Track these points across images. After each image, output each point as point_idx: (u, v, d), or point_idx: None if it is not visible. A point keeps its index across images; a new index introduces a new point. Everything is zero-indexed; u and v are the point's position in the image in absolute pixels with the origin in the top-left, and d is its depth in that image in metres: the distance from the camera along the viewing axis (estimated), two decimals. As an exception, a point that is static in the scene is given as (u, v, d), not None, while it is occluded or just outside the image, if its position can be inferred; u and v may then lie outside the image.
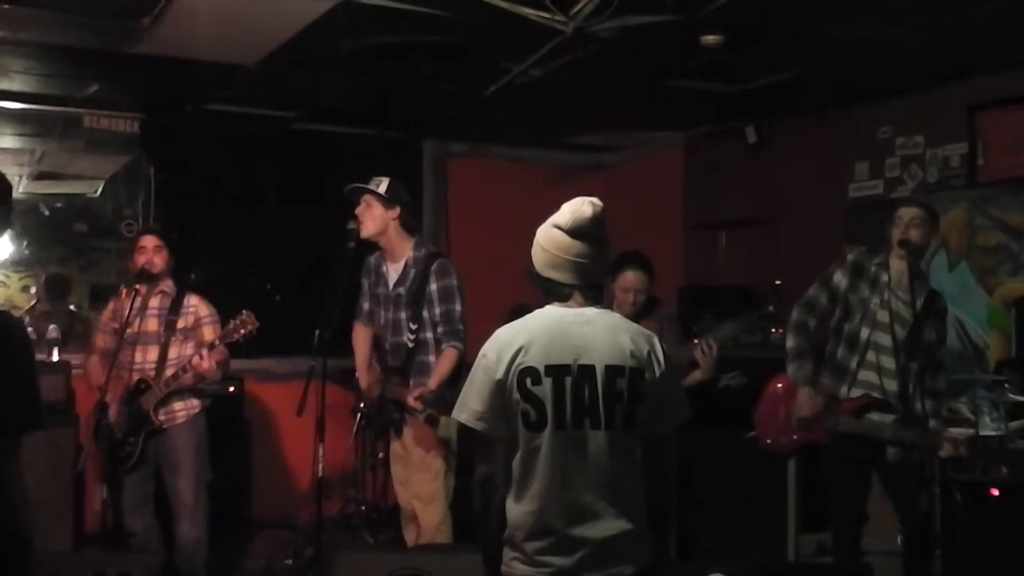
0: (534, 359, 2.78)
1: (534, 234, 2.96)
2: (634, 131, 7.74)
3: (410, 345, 4.89)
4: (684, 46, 5.03)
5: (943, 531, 4.62)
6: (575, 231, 2.84)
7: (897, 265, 4.51)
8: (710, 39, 4.92)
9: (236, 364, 6.64)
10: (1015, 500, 4.78)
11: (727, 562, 5.34)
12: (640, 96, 6.41)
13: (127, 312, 4.89)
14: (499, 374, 2.79)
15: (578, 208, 2.87)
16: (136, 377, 4.89)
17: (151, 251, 5.00)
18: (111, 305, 5.18)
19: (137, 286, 4.95)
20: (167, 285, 5.07)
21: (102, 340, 5.11)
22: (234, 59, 5.47)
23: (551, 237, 2.88)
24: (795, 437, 4.68)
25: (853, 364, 4.54)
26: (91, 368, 5.13)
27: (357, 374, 5.08)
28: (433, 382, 4.71)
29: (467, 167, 8.03)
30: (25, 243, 6.54)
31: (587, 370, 2.78)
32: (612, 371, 2.78)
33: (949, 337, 5.81)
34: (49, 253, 6.67)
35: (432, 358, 4.87)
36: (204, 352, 4.79)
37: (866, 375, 4.53)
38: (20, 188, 6.53)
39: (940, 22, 4.79)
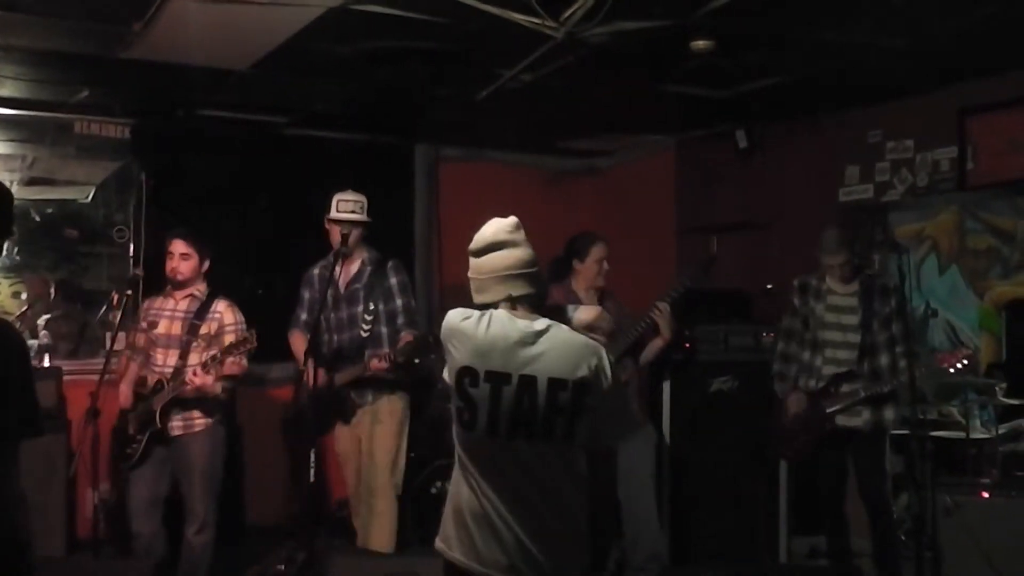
0: (476, 361, 2.79)
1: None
2: (625, 135, 7.75)
3: (364, 335, 5.13)
4: (675, 51, 5.04)
5: (934, 533, 4.65)
6: (481, 249, 2.92)
7: (833, 274, 5.15)
8: (700, 44, 4.93)
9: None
10: (1005, 502, 4.80)
11: (720, 565, 5.37)
12: (631, 100, 6.43)
13: (161, 312, 5.04)
14: (447, 362, 2.87)
15: (480, 231, 2.95)
16: (156, 378, 4.92)
17: (177, 258, 4.97)
18: (145, 304, 5.20)
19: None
20: (198, 289, 5.06)
21: (143, 340, 5.09)
22: (226, 64, 5.47)
23: (470, 265, 2.95)
24: (804, 440, 5.15)
25: (817, 363, 5.13)
26: (123, 366, 5.19)
27: (302, 367, 5.00)
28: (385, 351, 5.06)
29: (459, 172, 8.02)
30: (16, 249, 6.52)
31: (528, 381, 2.76)
32: (555, 384, 2.76)
33: (939, 340, 5.85)
34: (40, 259, 6.65)
35: (383, 350, 5.10)
36: (198, 368, 4.73)
37: (828, 369, 5.08)
38: (11, 194, 6.51)
39: (930, 27, 4.80)
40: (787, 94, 6.13)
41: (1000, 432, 5.20)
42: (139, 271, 6.07)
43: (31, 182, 6.62)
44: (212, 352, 4.80)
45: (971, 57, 5.38)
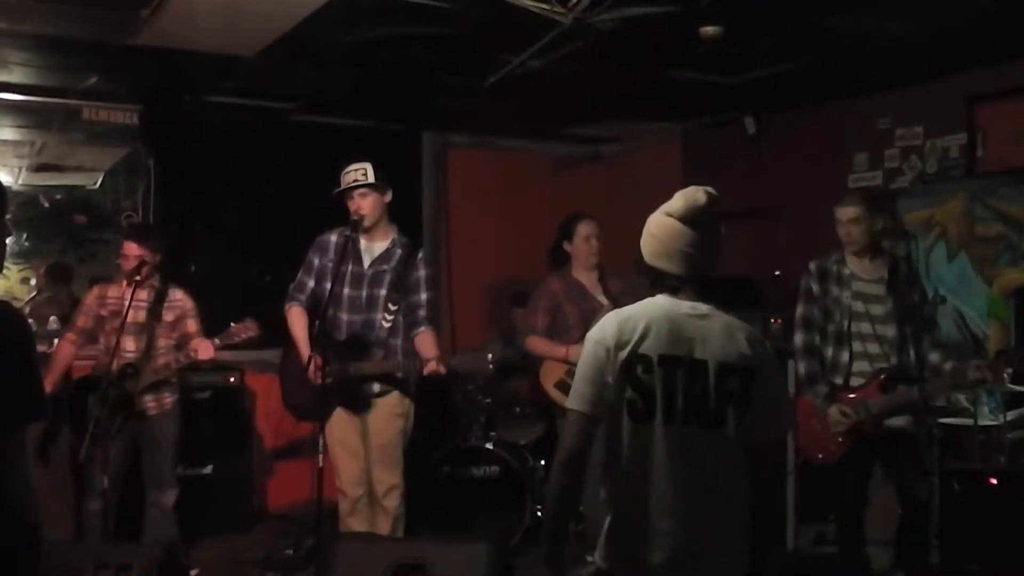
0: (647, 347, 2.70)
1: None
2: (633, 122, 7.74)
3: (386, 324, 4.95)
4: (683, 37, 5.03)
5: (941, 520, 4.63)
6: (688, 219, 2.76)
7: (853, 257, 4.71)
8: (709, 30, 4.92)
9: (236, 356, 6.69)
10: (1013, 489, 4.79)
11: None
12: (639, 87, 6.41)
13: (122, 302, 5.17)
14: (609, 357, 2.71)
15: (692, 196, 2.79)
16: (123, 362, 5.15)
17: (132, 259, 5.18)
18: (95, 291, 5.38)
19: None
20: (154, 279, 5.33)
21: (83, 321, 5.32)
22: (233, 51, 5.47)
23: (662, 225, 2.81)
24: (840, 440, 4.65)
25: (844, 358, 4.66)
26: (62, 350, 5.31)
27: (302, 352, 4.93)
28: (436, 355, 4.86)
29: (466, 158, 8.03)
30: (25, 235, 6.54)
31: (700, 365, 2.70)
32: (725, 369, 2.70)
33: (947, 327, 5.84)
34: (48, 245, 6.66)
35: (399, 341, 4.99)
36: (205, 342, 5.11)
37: (859, 366, 4.64)
38: (20, 180, 6.52)
39: (939, 14, 4.79)
40: (796, 81, 6.11)
41: (1008, 419, 5.19)
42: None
43: (39, 168, 6.63)
44: (175, 335, 5.30)
45: (980, 44, 5.36)
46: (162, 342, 5.28)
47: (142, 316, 5.23)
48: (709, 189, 2.81)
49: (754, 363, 2.73)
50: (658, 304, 2.79)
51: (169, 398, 5.34)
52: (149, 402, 5.24)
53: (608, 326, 2.77)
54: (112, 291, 5.33)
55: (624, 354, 2.70)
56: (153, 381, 5.19)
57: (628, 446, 2.71)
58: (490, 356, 4.78)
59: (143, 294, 5.23)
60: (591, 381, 2.74)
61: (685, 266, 2.77)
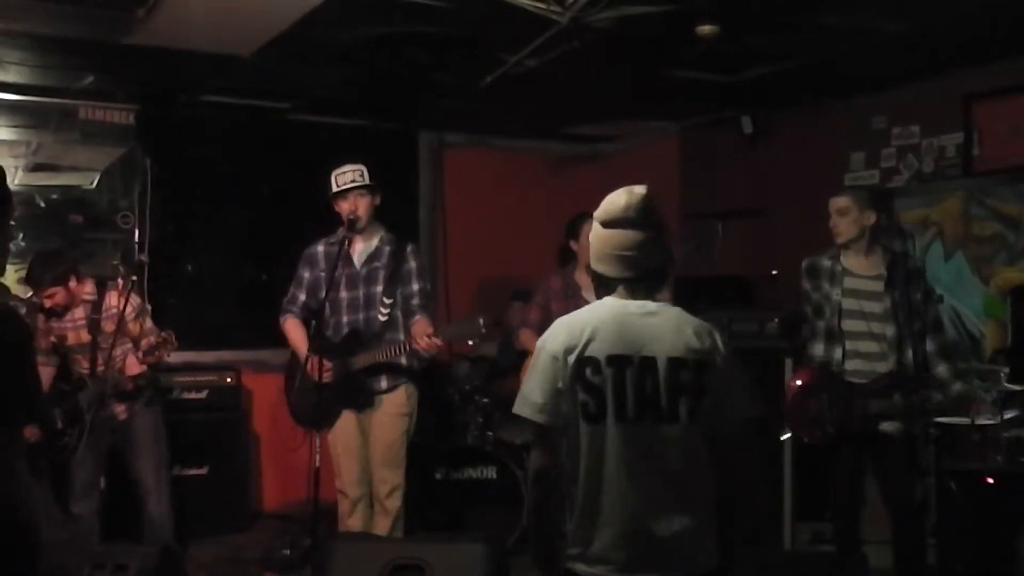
0: (595, 349, 2.72)
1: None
2: (630, 121, 7.74)
3: (383, 319, 4.99)
4: (680, 36, 5.02)
5: (938, 520, 4.63)
6: (609, 222, 2.80)
7: (849, 253, 4.62)
8: (706, 29, 4.91)
9: (233, 355, 6.72)
10: (1010, 488, 4.79)
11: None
12: (636, 86, 6.41)
13: (62, 327, 5.18)
14: (559, 364, 2.73)
15: (611, 198, 2.82)
16: (77, 375, 5.17)
17: (50, 301, 5.10)
18: (40, 316, 5.24)
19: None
20: (87, 293, 5.20)
21: (42, 343, 5.21)
22: (229, 50, 5.46)
23: (592, 231, 2.87)
24: (830, 431, 4.55)
25: (837, 356, 4.58)
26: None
27: (306, 360, 4.94)
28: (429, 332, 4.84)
29: (463, 157, 8.02)
30: (21, 235, 6.52)
31: (649, 362, 2.71)
32: (675, 363, 2.71)
33: (945, 327, 5.83)
34: (45, 245, 6.63)
35: (401, 336, 5.00)
36: (131, 358, 5.08)
37: (853, 364, 4.56)
38: (16, 180, 6.50)
39: (935, 12, 4.79)
40: (792, 80, 6.11)
41: (1005, 418, 5.19)
42: (144, 257, 6.11)
43: (36, 168, 6.61)
44: (126, 339, 5.14)
45: (976, 42, 5.36)
46: (118, 351, 5.11)
47: (85, 336, 5.15)
48: (635, 188, 2.83)
49: (705, 356, 2.74)
50: (605, 306, 2.82)
51: (138, 402, 5.24)
52: (117, 408, 5.17)
53: (556, 333, 2.80)
54: (52, 319, 5.23)
55: (573, 358, 2.73)
56: (103, 390, 5.04)
57: (585, 449, 2.73)
58: (481, 321, 4.70)
59: (80, 312, 5.17)
60: (543, 391, 2.76)
61: (619, 268, 2.80)
